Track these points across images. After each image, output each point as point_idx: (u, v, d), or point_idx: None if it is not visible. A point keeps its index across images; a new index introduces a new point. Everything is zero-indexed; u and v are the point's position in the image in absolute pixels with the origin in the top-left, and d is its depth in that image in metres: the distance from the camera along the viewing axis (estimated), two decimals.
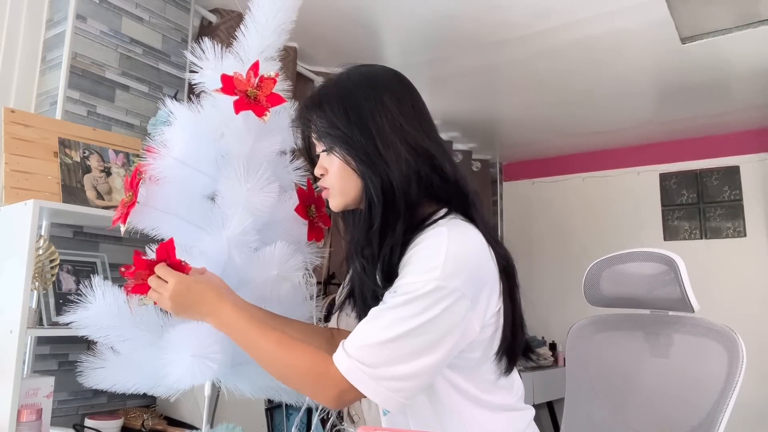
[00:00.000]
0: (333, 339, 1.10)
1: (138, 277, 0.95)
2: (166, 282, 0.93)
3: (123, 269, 0.96)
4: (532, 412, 1.06)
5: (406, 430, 1.02)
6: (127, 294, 0.97)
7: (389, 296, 0.88)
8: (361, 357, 0.84)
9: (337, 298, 1.14)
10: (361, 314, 0.95)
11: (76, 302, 1.00)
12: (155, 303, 0.96)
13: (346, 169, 0.95)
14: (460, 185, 0.96)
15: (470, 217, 0.95)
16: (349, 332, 0.92)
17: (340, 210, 1.00)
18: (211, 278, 0.97)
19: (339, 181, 0.96)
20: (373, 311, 0.88)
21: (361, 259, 0.96)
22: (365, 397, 0.86)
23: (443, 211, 0.94)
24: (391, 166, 0.92)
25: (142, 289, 0.95)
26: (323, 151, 0.98)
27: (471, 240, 0.90)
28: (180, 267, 0.94)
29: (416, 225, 0.93)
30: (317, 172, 1.00)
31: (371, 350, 0.84)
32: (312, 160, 1.05)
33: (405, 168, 0.92)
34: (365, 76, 0.99)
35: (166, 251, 0.94)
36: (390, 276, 0.91)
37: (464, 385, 0.96)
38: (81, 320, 1.00)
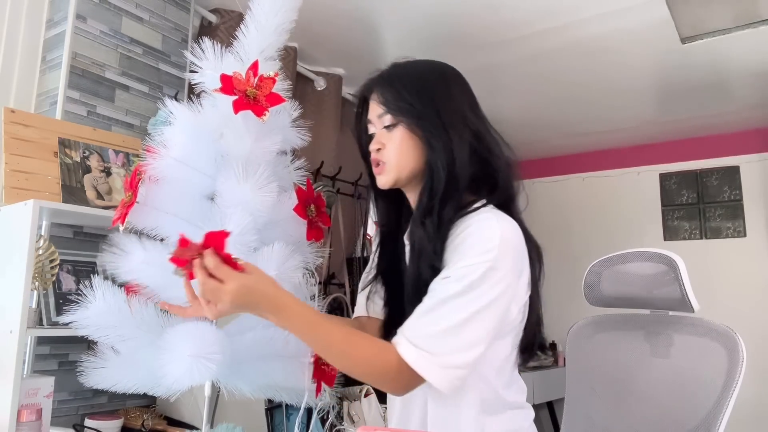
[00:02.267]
0: (364, 328, 1.10)
1: (183, 254, 0.86)
2: (223, 282, 0.84)
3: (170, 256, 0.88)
4: (533, 412, 1.07)
5: (405, 430, 1.02)
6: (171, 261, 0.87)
7: (443, 282, 0.90)
8: (428, 347, 0.87)
9: (360, 284, 1.17)
10: (415, 288, 0.95)
11: (76, 302, 1.00)
12: (208, 302, 0.87)
13: (407, 143, 0.99)
14: (509, 178, 1.01)
15: (509, 209, 0.99)
16: (378, 319, 1.01)
17: (387, 187, 1.03)
18: (268, 277, 0.92)
19: (397, 154, 0.99)
20: (432, 299, 0.90)
21: (421, 229, 0.97)
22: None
23: (482, 201, 0.98)
24: (455, 143, 0.96)
25: (182, 262, 0.86)
26: (385, 127, 1.01)
27: (515, 228, 0.95)
28: (230, 262, 0.86)
29: (461, 208, 0.97)
30: (373, 146, 1.03)
31: (437, 340, 0.87)
32: (363, 151, 1.09)
33: (467, 149, 0.97)
34: (433, 65, 1.07)
35: (215, 241, 0.86)
36: (440, 249, 0.94)
37: (490, 374, 0.98)
38: (81, 320, 0.99)
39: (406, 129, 0.99)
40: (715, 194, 3.68)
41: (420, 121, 0.98)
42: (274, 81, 1.04)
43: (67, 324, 1.00)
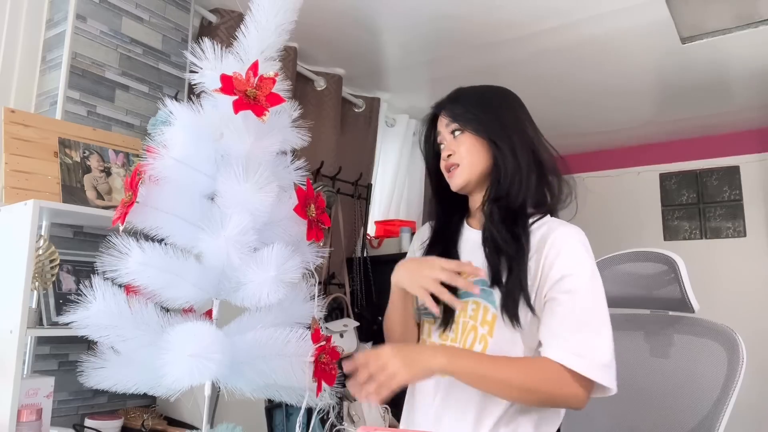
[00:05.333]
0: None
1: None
2: (379, 359, 0.97)
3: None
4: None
5: (406, 430, 1.02)
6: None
7: (565, 296, 1.02)
8: (602, 360, 0.99)
9: None
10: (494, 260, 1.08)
11: (76, 302, 1.00)
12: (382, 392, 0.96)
13: (475, 146, 1.12)
14: (559, 191, 1.15)
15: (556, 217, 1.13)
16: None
17: (459, 188, 1.15)
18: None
19: (468, 156, 1.12)
20: (572, 313, 1.01)
21: (490, 217, 1.10)
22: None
23: (541, 210, 1.12)
24: (518, 146, 1.10)
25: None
26: (452, 133, 1.15)
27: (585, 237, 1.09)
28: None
29: (525, 214, 1.10)
30: (444, 153, 1.16)
31: (607, 353, 0.99)
32: (429, 166, 1.24)
33: (528, 153, 1.11)
34: (494, 87, 1.21)
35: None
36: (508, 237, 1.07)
37: None
38: (81, 320, 0.99)
39: (472, 134, 1.13)
40: (715, 194, 3.68)
41: (485, 126, 1.12)
42: (274, 81, 1.04)
43: (67, 324, 1.00)
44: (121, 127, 1.86)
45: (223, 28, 2.23)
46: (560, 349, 0.99)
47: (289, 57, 2.47)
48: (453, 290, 1.06)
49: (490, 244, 1.09)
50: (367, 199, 3.07)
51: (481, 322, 1.08)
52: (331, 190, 2.66)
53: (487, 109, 1.13)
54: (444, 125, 1.17)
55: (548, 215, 1.12)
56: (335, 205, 2.75)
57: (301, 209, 1.13)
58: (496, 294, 1.06)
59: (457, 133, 1.14)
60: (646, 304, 1.50)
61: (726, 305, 3.21)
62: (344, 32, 2.41)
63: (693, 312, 1.39)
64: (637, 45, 2.48)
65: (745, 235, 3.55)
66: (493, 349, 1.05)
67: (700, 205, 3.72)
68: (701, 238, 3.69)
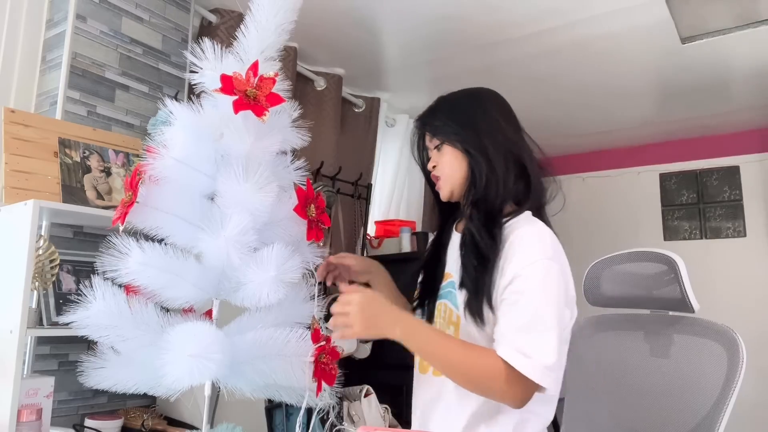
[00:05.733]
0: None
1: None
2: (347, 305, 1.01)
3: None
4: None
5: (406, 430, 1.02)
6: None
7: (516, 296, 1.04)
8: (546, 362, 1.00)
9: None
10: (465, 272, 1.12)
11: (76, 302, 1.00)
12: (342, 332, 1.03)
13: (453, 157, 1.17)
14: (540, 181, 1.19)
15: (540, 215, 1.17)
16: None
17: (447, 199, 1.21)
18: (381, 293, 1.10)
19: (447, 168, 1.18)
20: (520, 314, 1.03)
21: (468, 220, 1.15)
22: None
23: (521, 209, 1.15)
24: (490, 150, 1.14)
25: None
26: (435, 148, 1.21)
27: (550, 231, 1.12)
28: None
29: (501, 213, 1.13)
30: (429, 166, 1.23)
31: (551, 355, 1.00)
32: (426, 172, 1.28)
33: (502, 154, 1.14)
34: (469, 90, 1.25)
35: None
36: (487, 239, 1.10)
37: None
38: (81, 320, 0.99)
39: (450, 146, 1.18)
40: (715, 194, 3.68)
41: (459, 137, 1.17)
42: (274, 81, 1.04)
43: (67, 324, 1.00)
44: (121, 127, 1.86)
45: (223, 28, 2.23)
46: (507, 347, 1.01)
47: (289, 57, 2.47)
48: (432, 291, 1.21)
49: (467, 246, 1.13)
50: (367, 199, 3.07)
51: (447, 323, 1.16)
52: (331, 190, 2.66)
53: (462, 118, 1.18)
54: (428, 139, 1.24)
55: (527, 212, 1.14)
56: (335, 205, 2.75)
57: (301, 209, 1.13)
58: (459, 296, 1.12)
59: (438, 147, 1.20)
60: (646, 304, 1.50)
61: (726, 305, 3.21)
62: (344, 32, 2.41)
63: (693, 312, 1.39)
64: (637, 45, 2.48)
65: (745, 235, 3.55)
66: None
67: (700, 205, 3.72)
68: (701, 238, 3.69)
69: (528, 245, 1.06)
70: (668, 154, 3.86)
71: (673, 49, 2.48)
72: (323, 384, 1.10)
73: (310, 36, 2.44)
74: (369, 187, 3.08)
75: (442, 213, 1.30)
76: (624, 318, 1.56)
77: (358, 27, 2.36)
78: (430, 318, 1.21)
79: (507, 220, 1.12)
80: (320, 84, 2.76)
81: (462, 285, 1.12)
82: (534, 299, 1.02)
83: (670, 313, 1.47)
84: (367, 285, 1.33)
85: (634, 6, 2.16)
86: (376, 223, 3.25)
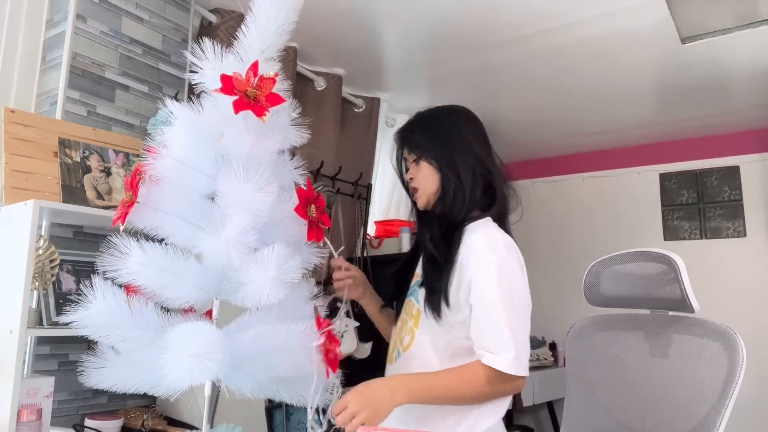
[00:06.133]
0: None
1: None
2: (346, 405, 1.09)
3: None
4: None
5: (406, 429, 1.03)
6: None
7: (476, 300, 1.18)
8: (511, 353, 1.14)
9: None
10: (425, 276, 1.27)
11: (77, 302, 1.00)
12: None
13: (428, 172, 1.30)
14: (504, 194, 1.31)
15: (503, 223, 1.29)
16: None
17: (423, 208, 1.34)
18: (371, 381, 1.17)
19: (423, 182, 1.31)
20: (482, 315, 1.17)
21: (429, 230, 1.29)
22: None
23: (485, 217, 1.26)
24: (461, 166, 1.26)
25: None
26: (413, 161, 1.33)
27: (506, 235, 1.25)
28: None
29: (464, 222, 1.25)
30: (407, 176, 1.36)
31: (511, 347, 1.13)
32: (404, 181, 1.40)
33: (471, 170, 1.26)
34: (445, 108, 1.37)
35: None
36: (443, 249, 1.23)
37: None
38: (81, 320, 0.99)
39: (425, 161, 1.30)
40: (715, 194, 3.68)
41: (433, 153, 1.29)
42: (274, 81, 1.04)
43: (67, 324, 1.00)
44: (121, 127, 1.86)
45: (223, 28, 2.23)
46: (479, 349, 1.17)
47: (289, 57, 2.47)
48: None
49: (426, 251, 1.28)
50: (367, 199, 3.07)
51: (410, 316, 1.32)
52: (331, 190, 2.66)
53: (436, 135, 1.30)
54: (406, 152, 1.37)
55: (487, 218, 1.26)
56: (335, 205, 2.75)
57: (301, 209, 1.13)
58: (421, 293, 1.27)
59: (416, 160, 1.32)
60: (646, 304, 1.50)
61: (726, 305, 3.21)
62: (344, 32, 2.41)
63: (693, 312, 1.39)
64: (637, 45, 2.48)
65: (745, 235, 3.55)
66: (419, 338, 1.27)
67: (700, 205, 3.72)
68: (701, 238, 3.69)
69: (482, 248, 1.19)
70: (668, 154, 3.86)
71: (673, 49, 2.48)
72: (328, 370, 1.11)
73: (310, 36, 2.44)
74: (369, 187, 3.08)
75: (419, 219, 1.42)
76: (624, 318, 1.56)
77: (358, 27, 2.36)
78: (399, 312, 1.37)
79: (467, 224, 1.25)
80: (320, 84, 2.77)
81: (422, 284, 1.27)
82: (490, 298, 1.15)
83: (670, 313, 1.47)
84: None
85: (634, 6, 2.16)
86: (376, 223, 3.25)
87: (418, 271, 1.33)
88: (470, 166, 1.27)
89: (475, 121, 1.35)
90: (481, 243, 1.20)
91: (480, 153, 1.29)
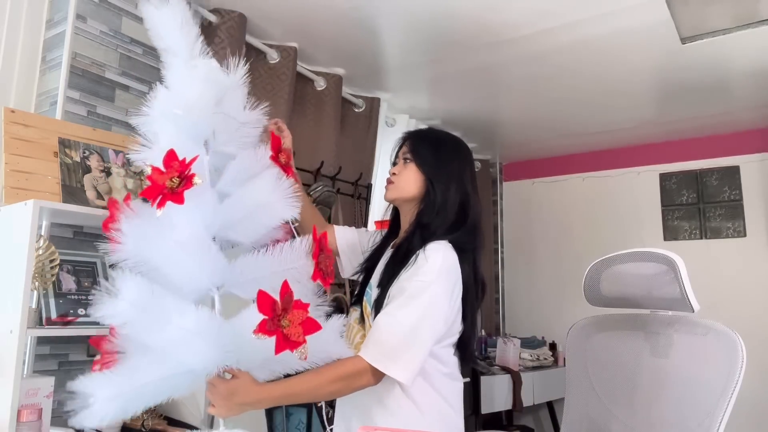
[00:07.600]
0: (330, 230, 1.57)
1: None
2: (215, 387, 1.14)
3: None
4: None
5: (406, 430, 1.03)
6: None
7: (396, 295, 1.26)
8: (387, 354, 1.21)
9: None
10: (381, 280, 1.36)
11: (76, 302, 1.00)
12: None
13: (413, 176, 1.39)
14: (476, 227, 1.38)
15: (474, 252, 1.36)
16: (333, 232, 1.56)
17: (389, 201, 1.45)
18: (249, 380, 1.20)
19: (404, 182, 1.39)
20: (390, 309, 1.25)
21: (408, 241, 1.35)
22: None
23: (444, 238, 1.32)
24: (451, 191, 1.37)
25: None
26: (404, 159, 1.41)
27: (454, 259, 1.30)
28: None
29: (432, 235, 1.32)
30: (391, 170, 1.44)
31: (393, 347, 1.21)
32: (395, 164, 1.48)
33: (458, 198, 1.37)
34: (453, 137, 1.48)
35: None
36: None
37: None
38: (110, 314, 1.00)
39: (416, 166, 1.39)
40: (715, 194, 3.68)
41: (431, 168, 1.38)
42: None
43: (66, 324, 1.00)
44: (121, 127, 1.86)
45: (223, 28, 2.23)
46: (366, 347, 1.24)
47: (289, 57, 2.47)
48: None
49: (398, 254, 1.35)
50: (367, 199, 3.07)
51: (365, 312, 1.40)
52: (331, 190, 2.66)
53: (439, 155, 1.39)
54: (404, 150, 1.44)
55: (445, 241, 1.31)
56: (335, 205, 2.75)
57: (275, 158, 1.23)
58: (374, 293, 1.34)
59: (407, 160, 1.40)
60: (646, 304, 1.50)
61: (726, 305, 3.21)
62: (344, 32, 2.41)
63: (693, 312, 1.39)
64: (637, 45, 2.48)
65: (745, 235, 3.55)
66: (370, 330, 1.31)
67: (700, 205, 3.72)
68: (701, 238, 3.69)
69: (419, 266, 1.26)
70: (668, 154, 3.86)
71: (673, 49, 2.48)
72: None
73: (310, 36, 2.44)
74: (369, 187, 3.08)
75: (393, 215, 1.52)
76: (624, 318, 1.56)
77: (358, 27, 2.36)
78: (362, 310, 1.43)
79: (430, 241, 1.31)
80: (320, 84, 2.76)
81: (379, 284, 1.33)
82: (396, 310, 1.23)
83: (670, 313, 1.47)
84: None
85: (634, 6, 2.16)
86: (376, 223, 3.25)
87: (375, 275, 1.40)
88: (458, 196, 1.37)
89: (473, 161, 1.47)
90: (424, 259, 1.27)
91: (468, 189, 1.39)
